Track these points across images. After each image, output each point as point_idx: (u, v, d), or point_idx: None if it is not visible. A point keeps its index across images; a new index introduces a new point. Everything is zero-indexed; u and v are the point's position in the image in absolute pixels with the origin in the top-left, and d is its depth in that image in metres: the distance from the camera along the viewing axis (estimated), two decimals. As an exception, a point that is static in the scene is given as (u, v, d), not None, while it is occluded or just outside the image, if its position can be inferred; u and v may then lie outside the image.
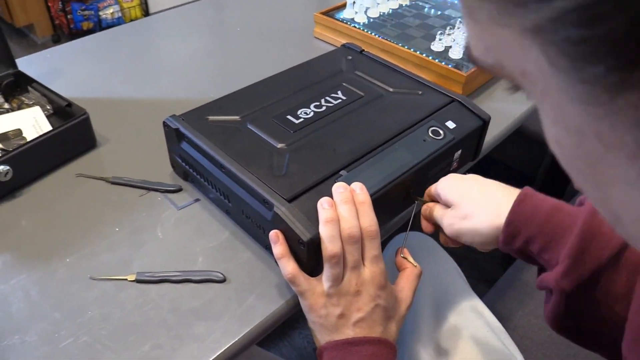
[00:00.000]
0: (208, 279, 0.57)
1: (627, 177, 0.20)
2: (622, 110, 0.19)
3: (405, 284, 0.57)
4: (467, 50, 0.25)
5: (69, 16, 2.72)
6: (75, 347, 0.51)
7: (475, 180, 0.59)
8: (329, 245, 0.50)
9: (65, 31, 2.80)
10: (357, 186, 0.54)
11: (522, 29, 0.20)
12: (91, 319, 0.54)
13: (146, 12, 3.01)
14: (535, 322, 0.90)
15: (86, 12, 2.74)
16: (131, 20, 2.92)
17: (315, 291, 0.52)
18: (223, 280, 0.57)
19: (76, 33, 2.77)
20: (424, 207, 0.63)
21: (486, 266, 1.55)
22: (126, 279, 0.57)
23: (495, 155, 1.60)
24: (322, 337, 0.52)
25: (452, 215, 0.58)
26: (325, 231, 0.50)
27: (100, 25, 2.83)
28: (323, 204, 0.52)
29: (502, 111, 0.89)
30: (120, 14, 2.87)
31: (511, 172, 1.59)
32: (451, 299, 0.76)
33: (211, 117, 0.66)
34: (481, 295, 0.83)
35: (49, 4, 2.73)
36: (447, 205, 0.60)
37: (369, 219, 0.52)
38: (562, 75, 0.19)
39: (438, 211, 0.61)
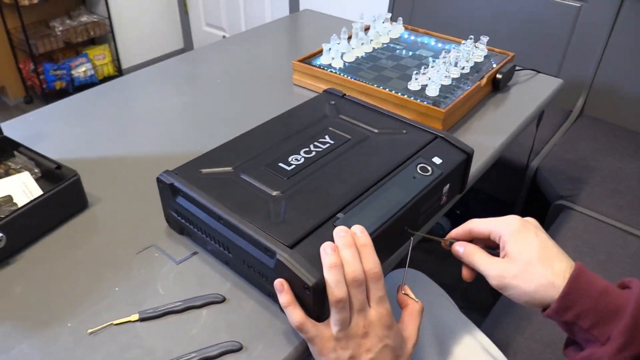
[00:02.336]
0: (225, 351, 0.55)
1: None
2: None
3: (409, 322, 0.58)
4: None
5: (41, 77, 2.73)
6: (84, 414, 0.50)
7: (535, 234, 0.58)
8: (335, 290, 0.51)
9: (38, 91, 2.80)
10: (358, 229, 0.55)
11: None
12: (98, 384, 0.53)
13: (119, 69, 3.04)
14: (535, 346, 0.91)
15: (58, 72, 2.75)
16: (104, 78, 2.95)
17: (324, 336, 0.52)
18: (240, 349, 0.56)
19: (49, 93, 2.78)
20: (464, 250, 0.61)
21: (476, 295, 1.57)
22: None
23: (474, 185, 1.64)
24: None
25: (504, 268, 0.56)
26: (330, 276, 0.51)
27: (72, 84, 2.84)
28: (326, 248, 0.53)
29: (481, 143, 0.92)
30: (92, 72, 2.89)
31: (491, 200, 1.62)
32: (451, 332, 0.76)
33: (204, 170, 0.67)
34: (478, 325, 0.84)
35: (20, 66, 2.74)
36: (492, 247, 0.60)
37: (372, 261, 0.53)
38: None
39: (483, 259, 0.59)
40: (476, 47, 1.10)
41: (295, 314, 0.52)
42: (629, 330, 0.50)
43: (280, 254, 0.54)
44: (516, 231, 0.58)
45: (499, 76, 1.05)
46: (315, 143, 0.73)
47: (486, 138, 0.94)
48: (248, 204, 0.62)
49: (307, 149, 0.71)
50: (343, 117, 0.79)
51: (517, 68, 1.13)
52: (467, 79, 1.01)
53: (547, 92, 1.10)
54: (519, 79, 1.15)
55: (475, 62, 1.07)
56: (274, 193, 0.63)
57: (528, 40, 1.72)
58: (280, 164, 0.68)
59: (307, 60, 1.08)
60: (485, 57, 1.10)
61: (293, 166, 0.68)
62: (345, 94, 0.85)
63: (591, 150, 1.51)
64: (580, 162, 1.46)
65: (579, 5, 1.64)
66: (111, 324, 0.59)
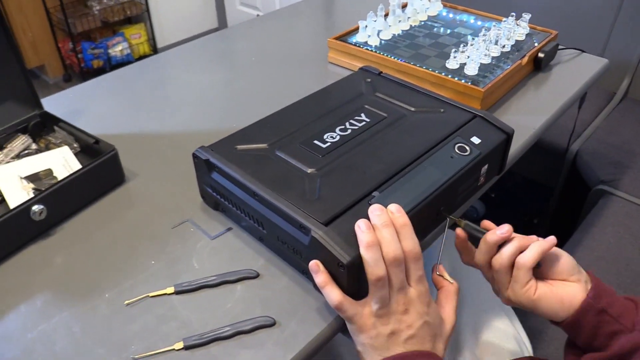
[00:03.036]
0: (259, 326, 0.56)
1: None
2: None
3: (445, 303, 0.57)
4: None
5: (79, 55, 2.78)
6: (122, 382, 0.52)
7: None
8: (374, 268, 0.50)
9: (76, 70, 2.86)
10: (395, 208, 0.54)
11: None
12: (135, 353, 0.54)
13: (154, 48, 3.07)
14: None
15: (96, 51, 2.79)
16: (140, 57, 2.98)
17: (364, 314, 0.52)
18: (273, 324, 0.56)
19: (87, 72, 2.83)
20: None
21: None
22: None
23: (512, 167, 1.60)
24: (373, 358, 0.52)
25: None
26: (368, 255, 0.51)
27: (110, 63, 2.89)
28: (361, 226, 0.52)
29: (521, 124, 0.89)
30: (129, 51, 2.93)
31: (529, 183, 1.59)
32: (488, 316, 0.75)
33: (239, 147, 0.67)
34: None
35: (59, 45, 2.79)
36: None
37: (411, 242, 0.52)
38: None
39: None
40: (517, 24, 1.06)
41: (333, 294, 0.52)
42: None
43: (315, 231, 0.54)
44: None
45: (540, 55, 1.02)
46: (351, 121, 0.72)
47: (526, 119, 0.91)
48: (283, 180, 0.61)
49: (343, 127, 0.70)
50: (379, 95, 0.78)
51: (560, 47, 1.09)
52: (508, 58, 0.98)
53: (590, 73, 1.06)
54: (561, 58, 1.11)
55: (517, 41, 1.04)
56: (309, 170, 0.63)
57: (572, 18, 1.66)
58: (316, 142, 0.68)
59: (343, 37, 1.06)
60: (527, 35, 1.06)
61: (328, 144, 0.67)
62: (381, 72, 0.84)
63: (635, 134, 1.45)
64: (623, 146, 1.40)
65: (627, -18, 1.56)
66: (147, 296, 0.60)
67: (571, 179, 1.45)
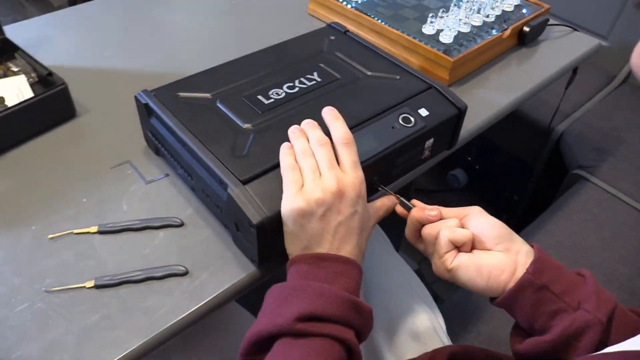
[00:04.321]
0: (170, 274, 0.57)
1: None
2: None
3: (378, 204, 0.60)
4: None
5: (85, -20, 2.72)
6: (30, 312, 0.53)
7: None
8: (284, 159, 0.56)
9: (82, -5, 2.81)
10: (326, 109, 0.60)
11: None
12: (48, 286, 0.55)
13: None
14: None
15: (102, -23, 2.73)
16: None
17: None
18: (185, 273, 0.57)
19: (92, -3, 2.78)
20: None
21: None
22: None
23: (498, 142, 1.58)
24: (295, 249, 0.54)
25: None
26: (282, 162, 0.56)
27: (116, -10, 2.83)
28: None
29: (492, 98, 0.87)
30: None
31: (512, 159, 1.56)
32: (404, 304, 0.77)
33: (182, 94, 0.67)
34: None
35: (66, -33, 2.73)
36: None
37: (341, 129, 0.57)
38: None
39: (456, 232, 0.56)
40: (508, -6, 1.02)
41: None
42: (596, 293, 0.52)
43: (231, 188, 0.54)
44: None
45: (526, 29, 0.98)
46: (302, 79, 0.70)
47: (498, 94, 0.89)
48: (215, 133, 0.61)
49: (291, 84, 0.69)
50: (338, 55, 0.76)
51: (550, 22, 1.05)
52: (492, 29, 0.95)
53: (578, 52, 1.02)
54: (551, 34, 1.07)
55: (504, 11, 1.00)
56: (245, 126, 0.62)
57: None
58: (259, 97, 0.66)
59: (326, -10, 1.03)
60: (516, 6, 1.02)
61: (272, 100, 0.66)
62: (347, 30, 0.81)
63: (626, 121, 1.41)
64: (610, 133, 1.37)
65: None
66: (71, 232, 0.61)
67: (553, 160, 1.43)
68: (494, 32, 0.93)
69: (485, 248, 0.56)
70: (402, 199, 0.61)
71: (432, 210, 0.58)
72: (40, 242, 0.60)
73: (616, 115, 1.43)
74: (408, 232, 0.60)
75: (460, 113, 0.70)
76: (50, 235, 0.60)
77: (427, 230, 0.58)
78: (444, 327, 0.79)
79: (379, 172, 0.63)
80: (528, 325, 0.54)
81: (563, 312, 0.52)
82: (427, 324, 0.75)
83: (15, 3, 2.88)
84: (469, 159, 1.68)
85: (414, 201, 0.61)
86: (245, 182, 0.55)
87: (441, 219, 0.58)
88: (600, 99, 1.50)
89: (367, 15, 0.94)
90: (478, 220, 0.57)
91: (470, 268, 0.55)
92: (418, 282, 0.85)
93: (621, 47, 1.56)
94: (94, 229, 0.61)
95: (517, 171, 1.59)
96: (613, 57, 1.56)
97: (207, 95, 0.67)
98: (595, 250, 1.06)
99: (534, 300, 0.52)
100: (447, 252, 0.56)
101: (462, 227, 0.57)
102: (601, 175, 1.24)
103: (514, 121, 1.39)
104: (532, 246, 0.56)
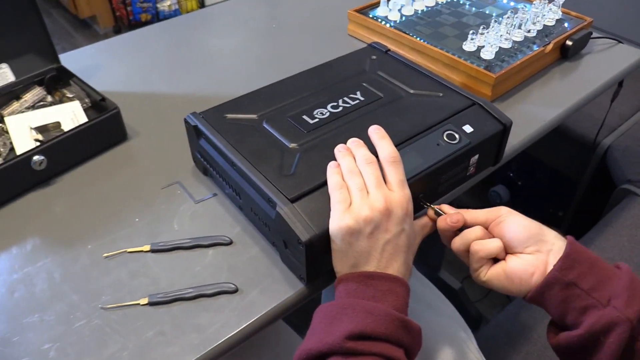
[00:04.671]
0: (221, 291, 0.58)
1: None
2: None
3: (423, 221, 0.61)
4: None
5: (128, 8, 2.84)
6: (88, 328, 0.55)
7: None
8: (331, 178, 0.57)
9: (125, 22, 2.92)
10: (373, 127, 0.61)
11: None
12: (105, 303, 0.57)
13: (202, 4, 3.09)
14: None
15: (145, 5, 2.84)
16: (187, 12, 3.01)
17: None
18: (235, 291, 0.58)
19: (135, 24, 2.89)
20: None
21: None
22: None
23: (540, 157, 1.55)
24: (343, 267, 0.54)
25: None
26: (331, 180, 0.57)
27: (157, 17, 2.94)
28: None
29: (535, 114, 0.86)
30: (177, 6, 2.96)
31: (556, 174, 1.53)
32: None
33: (229, 115, 0.68)
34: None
35: (111, -3, 2.85)
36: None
37: (387, 147, 0.57)
38: None
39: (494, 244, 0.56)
40: (549, 8, 1.01)
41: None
42: (629, 289, 0.50)
43: (280, 206, 0.55)
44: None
45: (569, 43, 0.97)
46: (345, 98, 0.71)
47: (541, 109, 0.88)
48: (263, 153, 0.62)
49: (335, 104, 0.70)
50: (381, 74, 0.77)
51: (593, 35, 1.03)
52: (534, 43, 0.94)
53: (623, 65, 1.00)
54: (594, 47, 1.05)
55: (545, 26, 0.99)
56: (291, 145, 0.63)
57: (620, 4, 1.56)
58: (304, 117, 0.68)
59: (364, 10, 1.04)
60: (558, 20, 1.01)
61: (316, 120, 0.67)
62: (389, 50, 0.82)
63: (676, 133, 1.37)
64: (659, 146, 1.33)
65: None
66: (125, 251, 0.63)
67: (599, 175, 1.40)
68: (535, 47, 0.93)
69: (515, 252, 0.56)
70: (436, 208, 0.61)
71: (453, 218, 0.58)
72: (96, 260, 0.62)
73: (665, 128, 1.39)
74: (444, 241, 0.61)
75: (505, 129, 0.70)
76: (106, 254, 0.62)
77: (456, 245, 0.58)
78: (476, 347, 0.77)
79: (424, 189, 0.63)
80: (560, 320, 0.54)
81: (593, 308, 0.51)
82: (457, 346, 0.74)
83: (64, 33, 3.02)
84: (511, 175, 1.65)
85: (443, 206, 0.61)
86: (293, 201, 0.56)
87: (465, 224, 0.58)
88: (647, 112, 1.45)
89: (407, 34, 0.95)
90: (507, 223, 0.57)
91: (502, 276, 0.56)
92: (447, 303, 0.84)
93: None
94: (147, 247, 0.63)
95: (560, 186, 1.56)
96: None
97: (254, 116, 0.68)
98: (648, 267, 1.02)
99: (562, 297, 0.52)
100: (481, 266, 0.56)
101: (491, 230, 0.57)
102: (651, 190, 1.20)
103: (557, 135, 1.37)
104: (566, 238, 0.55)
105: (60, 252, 0.63)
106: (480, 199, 1.78)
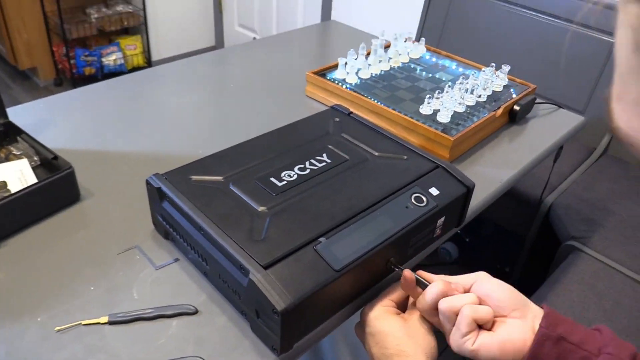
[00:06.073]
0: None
1: None
2: None
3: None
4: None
5: (72, 61, 2.78)
6: (37, 415, 0.50)
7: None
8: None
9: (68, 75, 2.85)
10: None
11: None
12: (56, 384, 0.52)
13: (148, 60, 3.08)
14: None
15: (89, 58, 2.79)
16: (133, 68, 2.99)
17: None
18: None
19: (78, 78, 2.82)
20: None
21: None
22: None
23: (487, 215, 1.60)
24: None
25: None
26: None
27: (102, 71, 2.89)
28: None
29: (489, 175, 0.89)
30: (122, 61, 2.93)
31: (502, 231, 1.58)
32: None
33: (194, 177, 0.66)
34: None
35: (53, 49, 2.79)
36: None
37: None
38: None
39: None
40: (496, 75, 1.07)
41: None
42: (614, 339, 0.53)
43: (253, 274, 0.53)
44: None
45: (516, 108, 1.03)
46: (312, 160, 0.71)
47: (495, 171, 0.91)
48: (231, 217, 0.60)
49: (302, 166, 0.70)
50: (345, 136, 0.77)
51: (537, 101, 1.10)
52: (484, 108, 0.99)
53: (565, 129, 1.07)
54: (538, 112, 1.12)
55: (494, 91, 1.04)
56: (260, 209, 0.62)
57: (557, 73, 1.68)
58: (272, 179, 0.67)
59: (322, 72, 1.07)
60: (505, 86, 1.07)
61: (284, 182, 0.66)
62: (351, 112, 0.84)
63: (610, 191, 1.46)
64: (597, 203, 1.41)
65: (613, 41, 1.59)
66: (80, 323, 0.58)
67: (544, 231, 1.45)
68: (485, 112, 0.97)
69: (501, 315, 0.56)
70: (417, 276, 0.60)
71: (432, 287, 0.57)
72: (47, 334, 0.57)
73: (600, 186, 1.48)
74: (425, 305, 0.59)
75: (469, 191, 0.71)
76: (58, 328, 0.57)
77: (445, 306, 0.56)
78: None
79: (395, 253, 0.63)
80: None
81: (587, 359, 0.52)
82: None
83: (1, 84, 2.90)
84: (459, 232, 1.69)
85: (420, 272, 0.60)
86: (266, 267, 0.54)
87: (449, 292, 0.57)
88: (583, 171, 1.55)
89: (365, 96, 0.98)
90: (489, 286, 0.57)
91: (493, 347, 0.54)
92: None
93: (598, 120, 1.63)
94: (104, 319, 0.58)
95: (507, 243, 1.61)
96: (592, 130, 1.64)
97: (220, 178, 0.67)
98: (598, 322, 1.06)
99: (556, 354, 0.52)
100: (470, 332, 0.55)
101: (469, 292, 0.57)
102: (593, 246, 1.26)
103: (503, 194, 1.42)
104: (541, 307, 0.56)
105: (5, 325, 0.58)
106: (430, 255, 1.80)
